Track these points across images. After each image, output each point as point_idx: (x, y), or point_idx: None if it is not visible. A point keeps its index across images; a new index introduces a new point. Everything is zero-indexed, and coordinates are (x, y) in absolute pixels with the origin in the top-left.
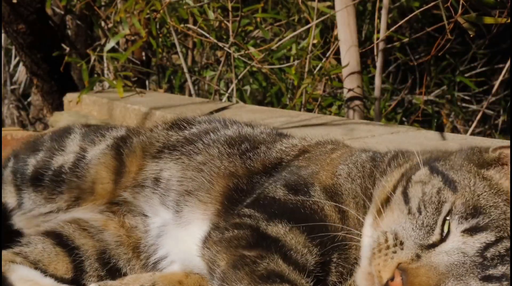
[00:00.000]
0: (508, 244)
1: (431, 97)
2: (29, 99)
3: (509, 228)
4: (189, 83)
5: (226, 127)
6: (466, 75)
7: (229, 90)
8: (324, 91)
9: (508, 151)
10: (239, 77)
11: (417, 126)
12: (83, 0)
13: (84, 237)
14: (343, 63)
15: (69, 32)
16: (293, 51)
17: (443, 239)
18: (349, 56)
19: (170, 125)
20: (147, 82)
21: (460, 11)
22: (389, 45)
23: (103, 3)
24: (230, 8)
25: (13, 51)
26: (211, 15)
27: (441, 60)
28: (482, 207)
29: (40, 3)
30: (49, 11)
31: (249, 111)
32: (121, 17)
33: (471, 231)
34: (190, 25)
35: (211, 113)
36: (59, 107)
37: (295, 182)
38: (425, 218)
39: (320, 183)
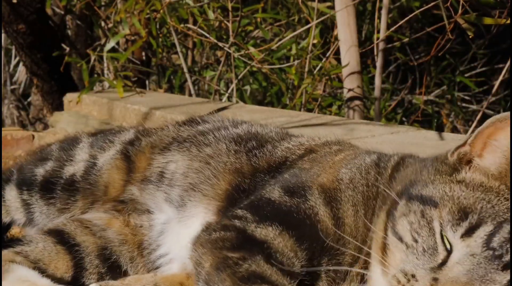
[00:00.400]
0: (509, 227)
1: (431, 97)
2: (29, 99)
3: (502, 212)
4: (189, 83)
5: (235, 126)
6: (466, 75)
7: (229, 90)
8: (324, 91)
9: (465, 149)
10: (239, 77)
11: (417, 126)
12: (83, 0)
13: (86, 234)
14: (343, 63)
15: (69, 32)
16: (293, 51)
17: (449, 253)
18: (349, 56)
19: (183, 121)
20: (147, 82)
21: (460, 11)
22: (389, 45)
23: (103, 3)
24: (230, 8)
25: (13, 51)
26: (211, 15)
27: (441, 60)
28: (467, 207)
29: (40, 3)
30: (49, 11)
31: (249, 111)
32: (121, 17)
33: (468, 232)
34: (190, 25)
35: (211, 113)
36: (59, 107)
37: (294, 184)
38: (423, 243)
39: (320, 186)
